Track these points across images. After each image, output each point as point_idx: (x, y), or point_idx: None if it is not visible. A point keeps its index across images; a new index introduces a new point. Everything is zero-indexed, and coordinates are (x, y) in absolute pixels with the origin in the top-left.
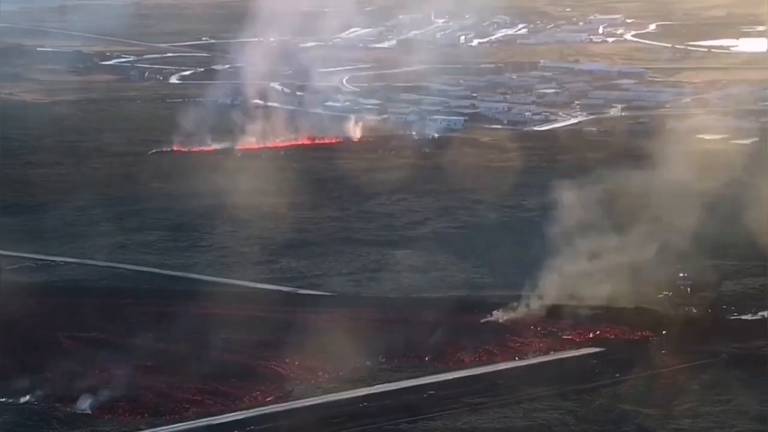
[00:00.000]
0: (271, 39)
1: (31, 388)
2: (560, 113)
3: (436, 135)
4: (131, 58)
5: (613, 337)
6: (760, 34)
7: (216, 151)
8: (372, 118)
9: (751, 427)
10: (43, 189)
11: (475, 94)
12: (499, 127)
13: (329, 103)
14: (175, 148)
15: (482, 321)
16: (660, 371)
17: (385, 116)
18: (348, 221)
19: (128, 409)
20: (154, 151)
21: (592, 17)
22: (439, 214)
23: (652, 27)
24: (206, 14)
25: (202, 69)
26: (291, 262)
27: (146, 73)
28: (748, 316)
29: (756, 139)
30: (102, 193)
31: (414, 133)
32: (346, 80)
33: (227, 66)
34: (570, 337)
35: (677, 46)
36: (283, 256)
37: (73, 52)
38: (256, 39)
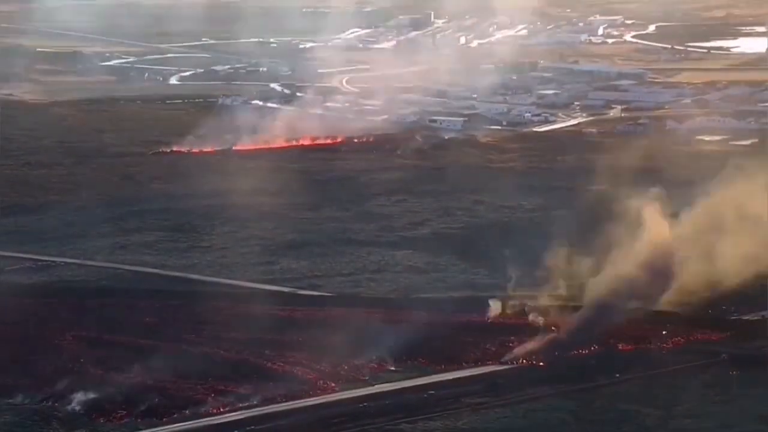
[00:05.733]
0: (271, 40)
1: (30, 388)
2: (560, 114)
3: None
4: (131, 59)
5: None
6: (760, 35)
7: (215, 152)
8: (372, 119)
9: (752, 427)
10: (43, 190)
11: (474, 95)
12: (499, 127)
13: (329, 104)
14: (175, 149)
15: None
16: (660, 371)
17: (384, 117)
18: (347, 222)
19: (128, 409)
20: (153, 151)
21: (592, 18)
22: (439, 214)
23: (652, 28)
24: (206, 15)
25: (202, 70)
26: (291, 262)
27: (146, 74)
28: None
29: (755, 140)
30: (102, 194)
31: (418, 137)
32: (346, 81)
33: (227, 67)
34: None
35: (677, 47)
36: (283, 257)
37: (72, 53)
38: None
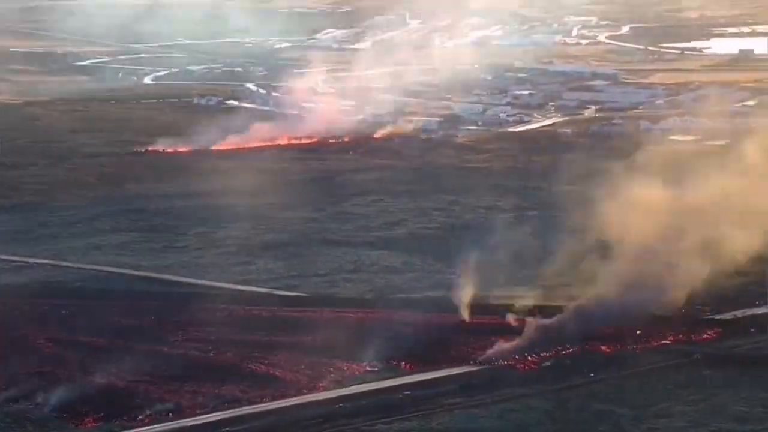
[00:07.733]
0: (247, 40)
1: (3, 390)
2: (535, 114)
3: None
4: (105, 59)
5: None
6: (732, 36)
7: (191, 152)
8: (348, 119)
9: (725, 426)
10: (16, 190)
11: (449, 95)
12: (474, 128)
13: (305, 104)
14: (150, 149)
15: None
16: (634, 371)
17: (360, 117)
18: (324, 222)
19: (101, 412)
20: (128, 151)
21: (566, 19)
22: (415, 215)
23: (626, 29)
24: (181, 15)
25: (177, 70)
26: (267, 263)
27: (120, 74)
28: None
29: (727, 140)
30: (76, 194)
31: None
32: (322, 81)
33: (202, 67)
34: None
35: (650, 48)
36: (259, 258)
37: (46, 53)
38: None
